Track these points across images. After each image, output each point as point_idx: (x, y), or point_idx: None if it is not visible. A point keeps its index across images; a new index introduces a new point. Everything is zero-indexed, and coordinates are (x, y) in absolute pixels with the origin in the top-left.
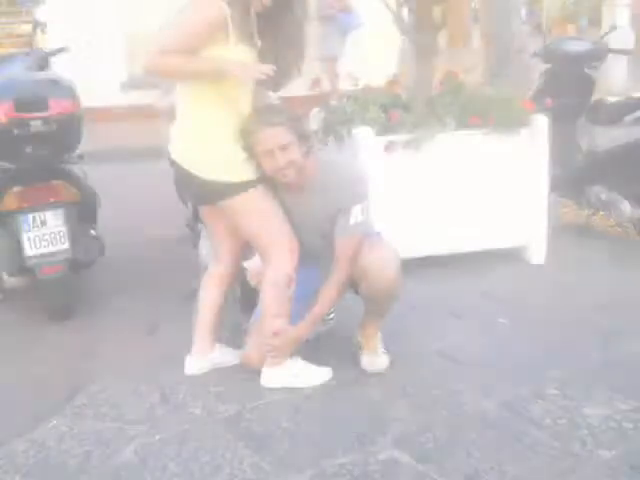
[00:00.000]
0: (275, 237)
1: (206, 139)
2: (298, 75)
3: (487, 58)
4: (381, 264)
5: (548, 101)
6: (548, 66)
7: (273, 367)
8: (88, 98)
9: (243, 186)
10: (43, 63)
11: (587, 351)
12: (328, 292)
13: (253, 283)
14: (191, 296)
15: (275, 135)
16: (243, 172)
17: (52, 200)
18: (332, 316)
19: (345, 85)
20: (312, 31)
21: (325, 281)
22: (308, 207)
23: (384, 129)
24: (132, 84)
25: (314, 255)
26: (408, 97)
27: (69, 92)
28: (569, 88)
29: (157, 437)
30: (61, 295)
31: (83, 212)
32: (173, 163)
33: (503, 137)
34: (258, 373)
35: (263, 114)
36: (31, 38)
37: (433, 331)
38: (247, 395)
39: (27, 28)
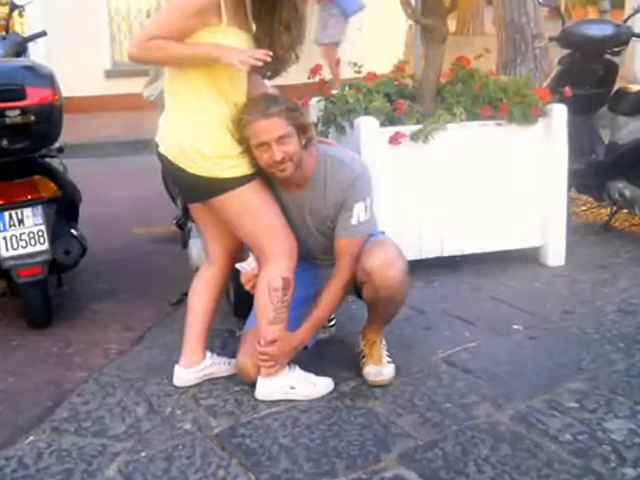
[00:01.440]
0: (272, 237)
1: (196, 131)
2: (296, 62)
3: (501, 43)
4: (386, 266)
5: (567, 90)
6: (567, 52)
7: (269, 378)
8: (69, 87)
9: (237, 182)
10: (20, 49)
11: (609, 360)
12: (329, 296)
13: (248, 286)
14: (180, 301)
15: (271, 126)
16: (237, 167)
17: (30, 197)
18: (333, 322)
19: (347, 72)
20: (311, 14)
21: (325, 284)
22: (307, 204)
23: (389, 120)
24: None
25: (314, 256)
26: (415, 86)
27: (48, 80)
28: (590, 75)
29: (143, 454)
30: (40, 299)
31: (63, 209)
32: (161, 157)
33: (518, 129)
34: (253, 384)
35: (258, 104)
36: (7, 21)
37: (442, 338)
38: (241, 408)
39: (3, 10)
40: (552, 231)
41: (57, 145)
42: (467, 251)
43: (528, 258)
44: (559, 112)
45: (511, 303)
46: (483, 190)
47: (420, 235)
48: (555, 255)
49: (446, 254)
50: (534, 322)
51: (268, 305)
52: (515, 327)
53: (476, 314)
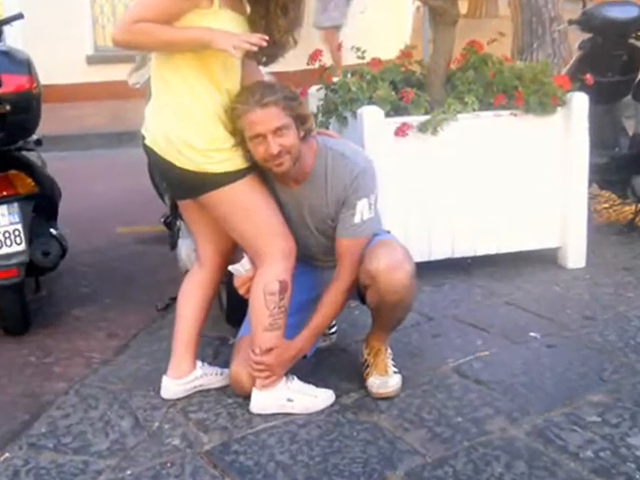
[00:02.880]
0: (268, 236)
1: (185, 122)
2: (294, 46)
3: (516, 27)
4: (392, 268)
5: (588, 77)
6: (588, 36)
7: (265, 390)
8: (47, 74)
9: (230, 177)
10: None
11: (633, 370)
12: (329, 300)
13: (242, 290)
14: (168, 306)
15: (267, 117)
16: (229, 160)
17: (5, 193)
18: (334, 329)
19: (349, 58)
20: None
21: (326, 287)
22: (306, 202)
23: (395, 110)
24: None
25: (314, 257)
26: (423, 72)
27: (25, 67)
28: (612, 61)
29: (128, 472)
30: (17, 305)
31: (42, 207)
32: (147, 149)
33: (534, 119)
34: (247, 397)
35: (253, 92)
36: None
37: (452, 346)
38: (234, 423)
39: None
40: (572, 231)
41: (35, 137)
42: (480, 252)
43: (546, 260)
44: (579, 101)
45: (527, 308)
46: (497, 186)
47: (429, 235)
48: (575, 256)
49: (457, 255)
50: (552, 329)
51: (264, 311)
52: (532, 334)
53: (489, 320)
